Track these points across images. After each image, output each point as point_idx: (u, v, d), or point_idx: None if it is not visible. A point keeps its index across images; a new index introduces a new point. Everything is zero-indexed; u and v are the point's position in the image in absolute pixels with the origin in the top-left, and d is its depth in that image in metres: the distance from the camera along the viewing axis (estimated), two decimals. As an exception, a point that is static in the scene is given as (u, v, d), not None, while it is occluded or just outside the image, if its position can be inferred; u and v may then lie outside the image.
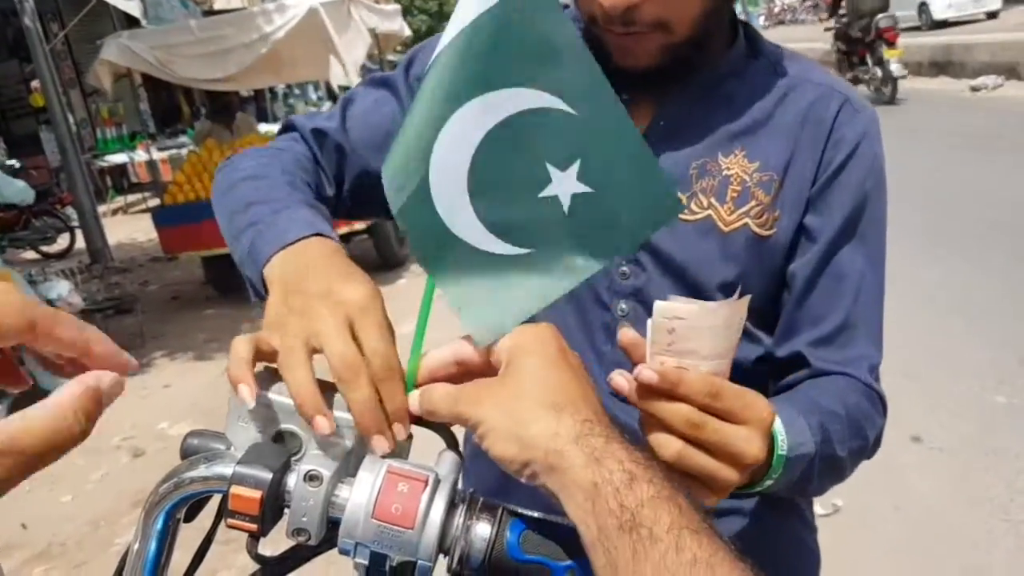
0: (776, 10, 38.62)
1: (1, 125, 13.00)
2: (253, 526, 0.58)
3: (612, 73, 0.95)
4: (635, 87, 0.96)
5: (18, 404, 2.22)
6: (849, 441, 0.87)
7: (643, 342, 0.66)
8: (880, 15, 11.24)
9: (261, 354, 0.64)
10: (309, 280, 0.69)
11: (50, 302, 5.02)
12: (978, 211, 5.86)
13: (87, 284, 7.17)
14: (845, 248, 0.96)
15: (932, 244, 5.27)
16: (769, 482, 0.76)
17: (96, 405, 0.45)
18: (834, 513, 2.83)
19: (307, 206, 0.86)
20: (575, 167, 0.61)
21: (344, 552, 0.56)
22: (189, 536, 0.68)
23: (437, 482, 0.57)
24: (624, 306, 0.99)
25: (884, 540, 2.76)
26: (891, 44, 11.06)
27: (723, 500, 0.68)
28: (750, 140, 0.97)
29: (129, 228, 11.04)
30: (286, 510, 0.59)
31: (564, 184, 0.62)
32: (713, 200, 0.96)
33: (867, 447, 0.92)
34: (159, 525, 0.64)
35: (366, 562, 0.55)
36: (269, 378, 0.64)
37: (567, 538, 0.55)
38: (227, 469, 0.60)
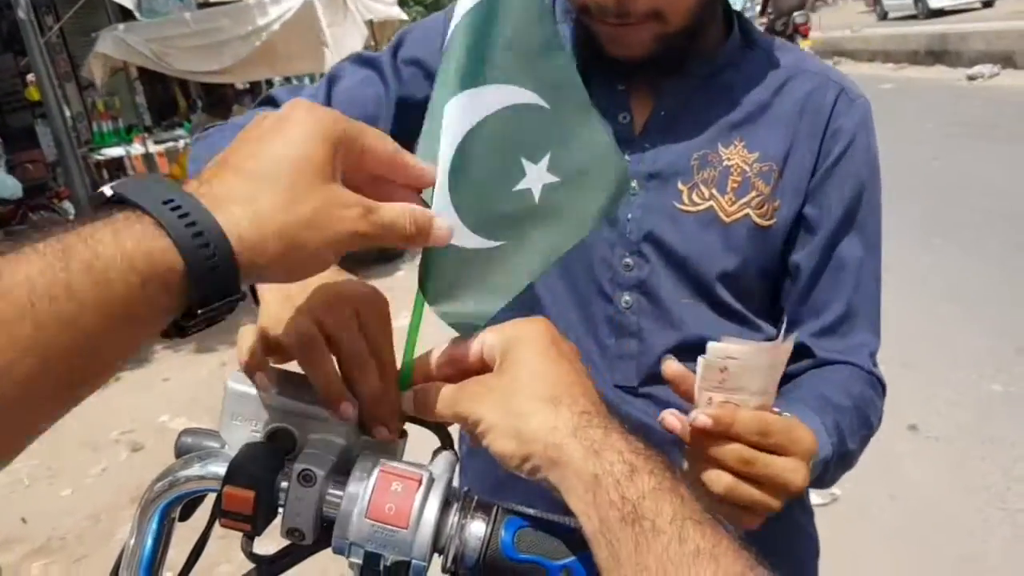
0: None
1: (-3, 119, 12.97)
2: (247, 526, 0.58)
3: (607, 63, 0.95)
4: (631, 78, 0.96)
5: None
6: (858, 432, 0.89)
7: (690, 375, 0.68)
8: (796, 12, 13.92)
9: (267, 345, 0.64)
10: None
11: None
12: (975, 200, 5.86)
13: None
14: (845, 238, 0.98)
15: (929, 233, 5.26)
16: None
17: (425, 224, 0.57)
18: (831, 502, 2.83)
19: None
20: (546, 159, 0.63)
21: (338, 552, 0.56)
22: (188, 534, 0.68)
23: (431, 481, 0.57)
24: (628, 298, 0.99)
25: (881, 529, 2.76)
26: (804, 36, 13.73)
27: None
28: (749, 130, 0.98)
29: (126, 222, 10.98)
30: (280, 509, 0.59)
31: (536, 177, 0.63)
32: (714, 191, 0.96)
33: (872, 433, 0.94)
34: (154, 524, 0.64)
35: (360, 562, 0.55)
36: (264, 376, 0.64)
37: (563, 537, 0.55)
38: (221, 468, 0.60)
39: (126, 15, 8.64)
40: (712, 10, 0.96)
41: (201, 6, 8.60)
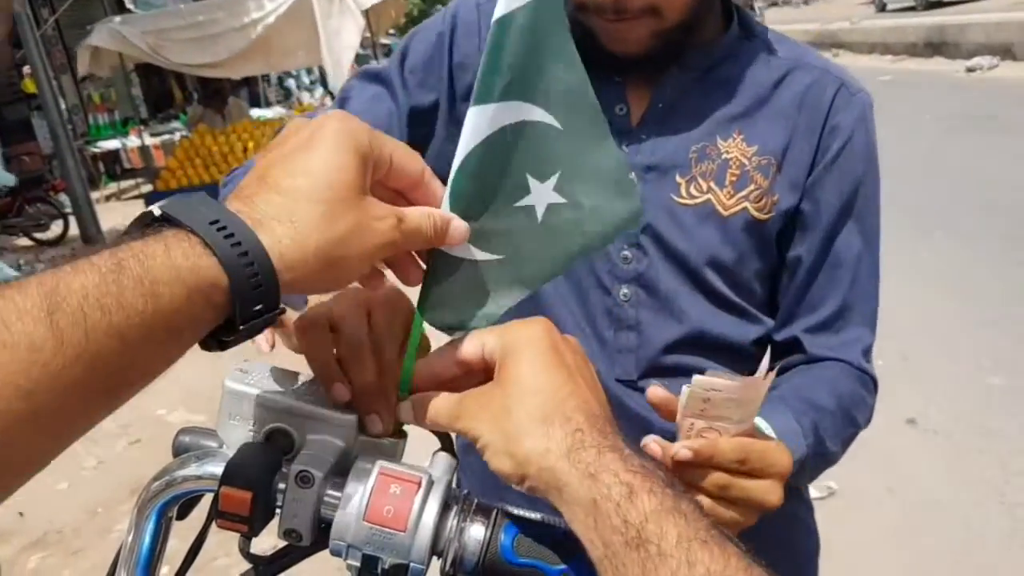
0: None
1: (-7, 111, 12.93)
2: (243, 527, 0.57)
3: (604, 58, 0.95)
4: (628, 70, 0.96)
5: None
6: (841, 433, 0.90)
7: (673, 400, 0.70)
8: (749, 10, 15.09)
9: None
10: None
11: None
12: (974, 192, 5.86)
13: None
14: (842, 233, 0.98)
15: (927, 226, 5.27)
16: None
17: (444, 225, 0.58)
18: (829, 496, 2.84)
19: None
20: (554, 179, 0.62)
21: (336, 554, 0.55)
22: (188, 532, 0.68)
23: (431, 484, 0.56)
24: (626, 291, 0.99)
25: (879, 522, 2.77)
26: None
27: None
28: (748, 123, 0.97)
29: (122, 214, 10.97)
30: (278, 510, 0.58)
31: (542, 195, 0.63)
32: (712, 184, 0.96)
33: (858, 431, 0.95)
34: (151, 523, 0.64)
35: (358, 564, 0.54)
36: (262, 376, 0.63)
37: (563, 541, 0.54)
38: (218, 468, 0.59)
39: (121, 7, 8.61)
40: (709, 3, 0.96)
41: (196, -2, 8.57)
